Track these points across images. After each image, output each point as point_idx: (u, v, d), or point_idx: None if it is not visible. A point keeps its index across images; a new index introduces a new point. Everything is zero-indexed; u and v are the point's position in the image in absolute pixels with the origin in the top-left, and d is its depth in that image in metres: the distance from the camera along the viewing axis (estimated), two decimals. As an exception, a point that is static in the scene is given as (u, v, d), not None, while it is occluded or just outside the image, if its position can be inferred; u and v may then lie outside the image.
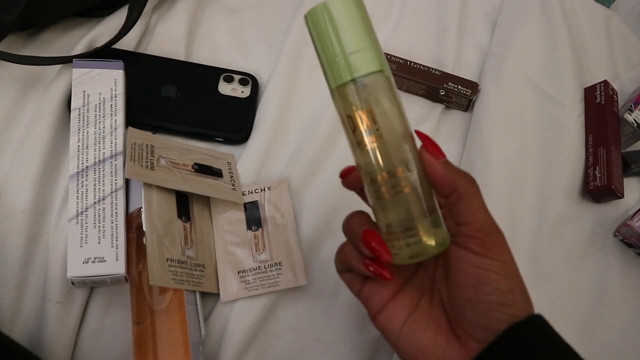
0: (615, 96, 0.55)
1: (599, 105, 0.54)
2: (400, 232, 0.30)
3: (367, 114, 0.29)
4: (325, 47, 0.30)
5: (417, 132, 0.32)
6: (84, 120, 0.42)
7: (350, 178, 0.33)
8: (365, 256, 0.32)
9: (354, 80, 0.29)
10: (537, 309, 0.44)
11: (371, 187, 0.30)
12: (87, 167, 0.41)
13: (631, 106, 0.54)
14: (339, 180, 0.34)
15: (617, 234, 0.49)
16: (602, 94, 0.54)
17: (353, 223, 0.32)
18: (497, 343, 0.29)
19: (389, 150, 0.29)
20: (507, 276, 0.30)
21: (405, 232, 0.30)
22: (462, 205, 0.30)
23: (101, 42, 0.51)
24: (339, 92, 0.30)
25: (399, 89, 0.56)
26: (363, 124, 0.29)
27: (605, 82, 0.55)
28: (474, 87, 0.54)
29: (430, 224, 0.30)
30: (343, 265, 0.34)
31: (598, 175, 0.50)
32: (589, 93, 0.56)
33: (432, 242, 0.30)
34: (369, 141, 0.30)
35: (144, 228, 0.39)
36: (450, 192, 0.30)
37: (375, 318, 0.33)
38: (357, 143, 0.30)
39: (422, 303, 0.33)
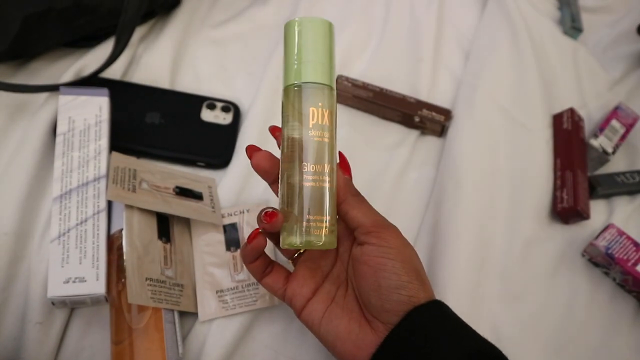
0: (581, 122, 0.58)
1: (566, 131, 0.56)
2: (307, 217, 0.33)
3: (300, 114, 0.34)
4: (287, 53, 0.35)
5: (340, 153, 0.37)
6: (68, 144, 0.44)
7: (258, 157, 0.36)
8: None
9: (299, 85, 0.34)
10: (508, 327, 0.46)
11: (291, 174, 0.34)
12: (70, 189, 0.42)
13: (597, 132, 0.56)
14: None
15: (584, 253, 0.51)
16: (569, 120, 0.57)
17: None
18: (401, 325, 0.33)
19: (314, 148, 0.34)
20: (402, 260, 0.34)
21: (310, 220, 0.33)
22: (354, 211, 0.35)
23: (88, 71, 0.53)
24: (286, 91, 0.35)
25: (376, 115, 0.58)
26: (297, 121, 0.34)
27: (571, 109, 0.57)
28: (447, 114, 0.57)
29: (331, 222, 0.34)
30: (251, 260, 0.37)
31: (565, 197, 0.52)
32: (557, 120, 0.58)
33: (326, 236, 0.34)
34: (313, 135, 0.34)
35: (124, 248, 0.40)
36: (341, 202, 0.35)
37: (300, 315, 0.37)
38: (289, 134, 0.35)
39: (338, 295, 0.37)
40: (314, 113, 0.34)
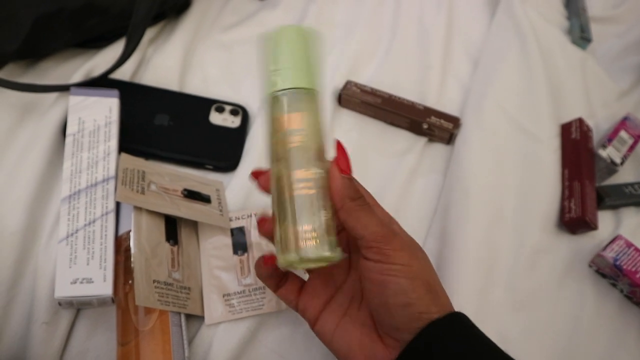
0: (589, 132, 0.57)
1: (574, 141, 0.56)
2: (291, 229, 0.31)
3: (282, 120, 0.33)
4: (266, 64, 0.34)
5: (337, 141, 0.34)
6: (78, 145, 0.44)
7: (263, 179, 0.35)
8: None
9: (278, 91, 0.33)
10: (515, 336, 0.46)
11: (278, 185, 0.32)
12: (79, 190, 0.42)
13: (605, 142, 0.56)
14: None
15: (591, 264, 0.50)
16: (577, 130, 0.57)
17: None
18: (415, 342, 0.31)
19: (292, 154, 0.32)
20: (408, 277, 0.31)
21: (306, 232, 0.31)
22: (352, 221, 0.32)
23: (98, 72, 0.53)
24: (268, 100, 0.34)
25: (384, 121, 0.58)
26: (280, 127, 0.33)
27: (580, 119, 0.57)
28: (455, 121, 0.57)
29: (321, 230, 0.31)
30: (265, 277, 0.37)
31: (573, 207, 0.52)
32: (565, 129, 0.58)
33: (314, 248, 0.31)
34: (288, 142, 0.32)
35: (132, 250, 0.40)
36: (339, 208, 0.32)
37: (314, 326, 0.36)
38: (274, 144, 0.33)
39: (351, 308, 0.36)
40: (287, 119, 0.32)
